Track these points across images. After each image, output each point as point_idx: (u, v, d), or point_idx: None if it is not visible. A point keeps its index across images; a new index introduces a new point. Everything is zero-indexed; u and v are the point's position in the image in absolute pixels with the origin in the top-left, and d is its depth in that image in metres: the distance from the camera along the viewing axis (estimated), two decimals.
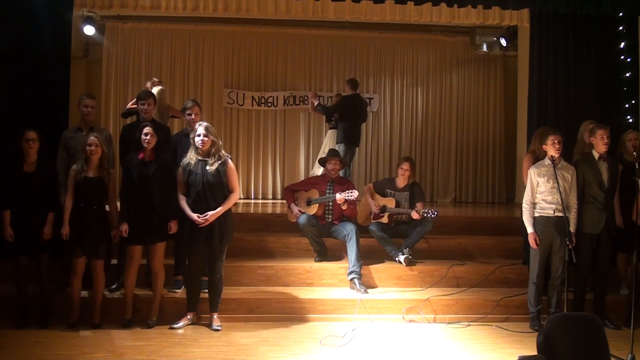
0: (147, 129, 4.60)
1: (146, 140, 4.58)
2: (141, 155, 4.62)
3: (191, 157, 4.57)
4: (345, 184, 5.81)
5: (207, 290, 4.75)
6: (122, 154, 5.18)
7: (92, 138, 4.59)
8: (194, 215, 4.49)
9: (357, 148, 7.86)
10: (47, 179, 4.65)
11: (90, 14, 8.35)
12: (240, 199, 9.15)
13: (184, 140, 4.94)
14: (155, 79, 6.39)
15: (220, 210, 4.52)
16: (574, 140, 5.44)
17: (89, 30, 8.38)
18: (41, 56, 5.41)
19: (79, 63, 8.48)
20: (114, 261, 5.04)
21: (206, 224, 4.49)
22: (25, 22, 5.38)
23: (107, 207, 4.73)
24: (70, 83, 5.73)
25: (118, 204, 4.76)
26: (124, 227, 4.57)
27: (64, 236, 4.52)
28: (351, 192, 5.46)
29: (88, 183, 4.55)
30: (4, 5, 5.26)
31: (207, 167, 4.52)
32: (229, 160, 4.63)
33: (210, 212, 4.49)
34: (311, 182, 6.11)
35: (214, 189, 4.53)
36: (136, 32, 9.05)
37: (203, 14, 6.96)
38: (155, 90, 5.68)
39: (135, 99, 5.46)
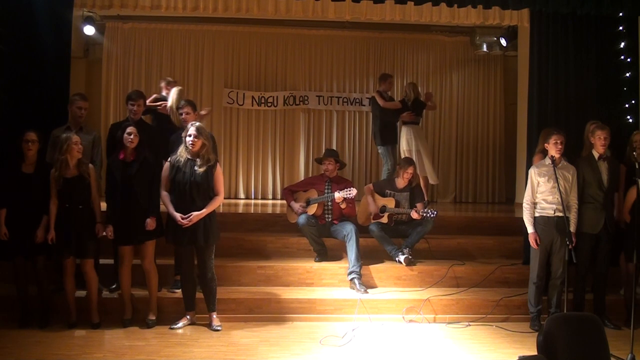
0: (130, 129, 4.61)
1: (129, 140, 4.58)
2: (122, 156, 4.63)
3: (181, 154, 4.59)
4: (343, 182, 5.82)
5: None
6: (109, 153, 5.17)
7: (76, 138, 4.58)
8: (177, 215, 4.49)
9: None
10: (46, 180, 4.61)
11: (90, 14, 8.33)
12: (240, 199, 9.17)
13: (182, 140, 4.93)
14: (169, 79, 6.31)
15: (204, 212, 4.53)
16: (573, 140, 5.44)
17: (89, 30, 8.37)
18: (41, 56, 5.40)
19: (79, 63, 8.47)
20: (110, 261, 5.03)
21: (189, 224, 4.49)
22: (25, 22, 5.36)
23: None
24: (70, 83, 5.71)
25: (103, 203, 4.74)
26: (109, 229, 4.58)
27: (50, 241, 4.53)
28: (349, 190, 5.47)
29: (69, 183, 4.55)
30: (4, 5, 5.25)
31: (196, 168, 4.53)
32: (218, 165, 4.67)
33: (194, 213, 4.49)
34: (309, 182, 6.11)
35: (201, 190, 4.54)
36: (136, 32, 9.03)
37: (203, 14, 6.94)
38: (175, 90, 5.56)
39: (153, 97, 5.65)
